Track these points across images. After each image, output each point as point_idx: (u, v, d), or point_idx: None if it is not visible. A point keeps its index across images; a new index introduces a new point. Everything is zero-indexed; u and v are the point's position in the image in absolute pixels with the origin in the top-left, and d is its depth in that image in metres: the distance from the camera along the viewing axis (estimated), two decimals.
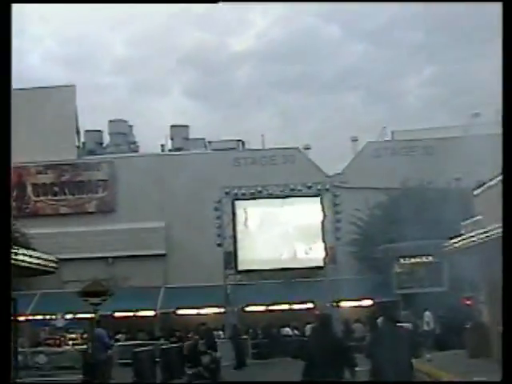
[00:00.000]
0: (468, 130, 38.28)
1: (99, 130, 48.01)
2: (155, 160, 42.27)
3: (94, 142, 47.34)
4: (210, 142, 45.08)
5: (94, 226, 39.78)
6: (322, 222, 34.92)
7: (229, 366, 23.69)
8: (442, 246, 20.06)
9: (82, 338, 29.71)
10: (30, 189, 41.49)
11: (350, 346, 10.07)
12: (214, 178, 37.39)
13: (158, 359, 21.21)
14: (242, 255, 35.53)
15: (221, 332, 30.90)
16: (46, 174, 42.08)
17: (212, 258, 34.49)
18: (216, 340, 21.84)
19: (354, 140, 44.25)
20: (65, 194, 41.93)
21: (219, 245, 34.49)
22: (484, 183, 20.45)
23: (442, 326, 26.28)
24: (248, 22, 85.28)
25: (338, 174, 41.09)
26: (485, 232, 15.19)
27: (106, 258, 39.10)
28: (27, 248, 16.07)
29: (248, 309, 34.52)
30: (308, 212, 35.72)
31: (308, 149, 43.67)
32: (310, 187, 34.87)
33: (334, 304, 31.93)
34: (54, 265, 17.40)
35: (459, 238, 17.95)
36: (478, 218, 18.02)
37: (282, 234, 36.22)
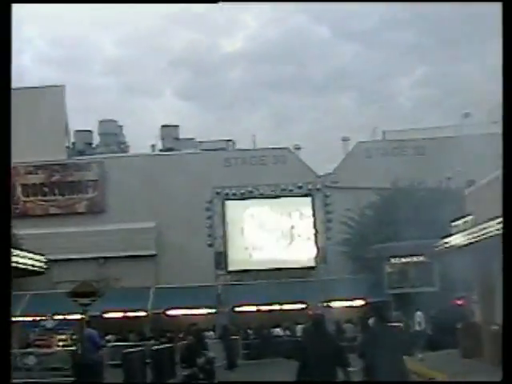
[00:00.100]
0: (459, 130, 38.31)
1: (89, 130, 47.80)
2: (146, 160, 42.17)
3: (84, 142, 47.08)
4: (200, 142, 44.97)
5: (84, 227, 39.60)
6: (314, 222, 34.91)
7: (220, 367, 23.58)
8: (434, 245, 20.01)
9: (71, 339, 29.52)
10: (19, 189, 41.14)
11: (343, 346, 10.01)
12: (205, 178, 37.37)
13: (148, 360, 21.08)
14: (232, 255, 35.53)
15: (212, 332, 30.76)
16: (36, 174, 41.89)
17: (203, 259, 34.46)
18: (206, 341, 21.72)
19: (346, 140, 44.21)
20: (54, 194, 41.76)
21: (210, 245, 34.46)
22: (475, 182, 20.49)
23: (433, 326, 26.23)
24: (239, 23, 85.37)
25: (329, 174, 41.03)
26: (476, 231, 15.15)
27: (97, 258, 38.95)
28: (16, 248, 15.86)
29: (239, 309, 34.39)
30: (299, 212, 35.72)
31: (299, 149, 43.63)
32: (300, 187, 34.91)
33: (325, 304, 31.86)
34: (43, 265, 17.20)
35: (451, 238, 17.91)
36: (469, 217, 17.98)
37: (273, 234, 36.21)
